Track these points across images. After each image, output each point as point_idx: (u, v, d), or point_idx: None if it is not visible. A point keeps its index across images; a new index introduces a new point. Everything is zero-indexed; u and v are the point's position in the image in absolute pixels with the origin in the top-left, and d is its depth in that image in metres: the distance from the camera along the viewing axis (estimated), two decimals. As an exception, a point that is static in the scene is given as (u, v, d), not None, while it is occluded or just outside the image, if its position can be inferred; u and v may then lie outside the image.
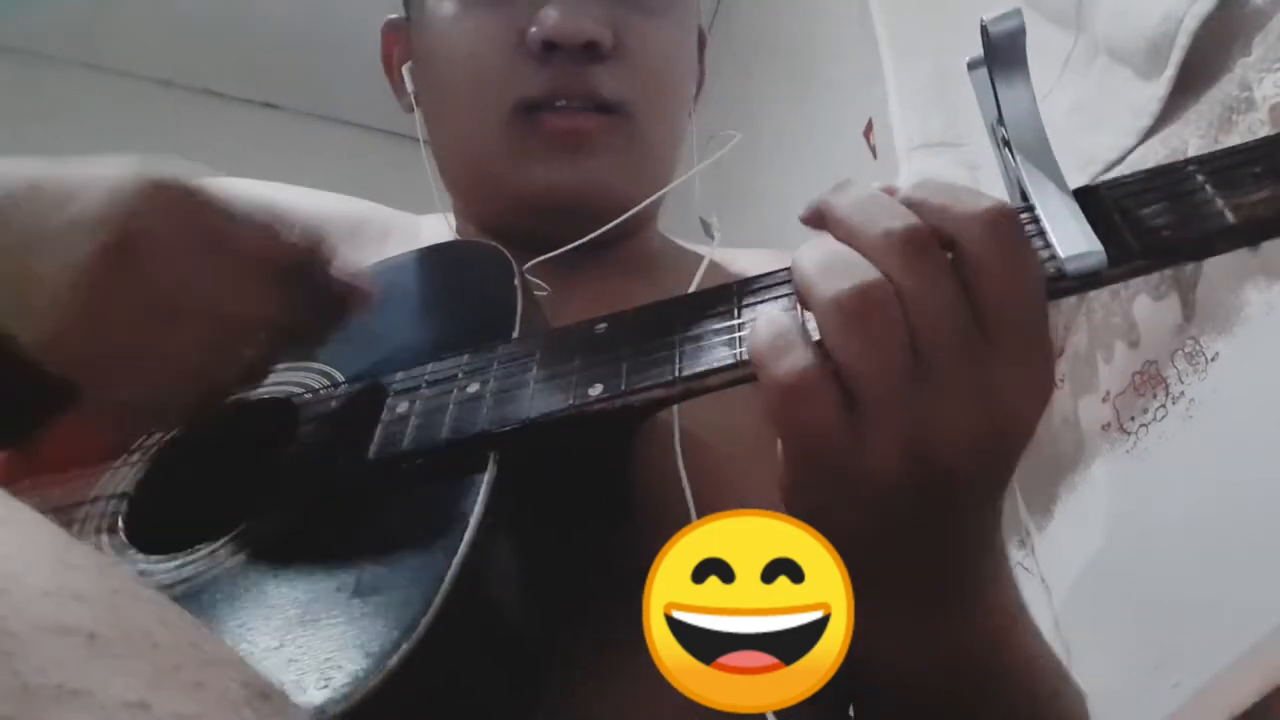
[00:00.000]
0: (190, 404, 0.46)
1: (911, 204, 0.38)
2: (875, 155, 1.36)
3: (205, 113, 2.11)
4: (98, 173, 0.43)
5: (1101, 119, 0.85)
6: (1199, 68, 0.77)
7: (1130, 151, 0.83)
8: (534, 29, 0.61)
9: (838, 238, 0.39)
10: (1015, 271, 0.37)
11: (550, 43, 0.61)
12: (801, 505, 0.39)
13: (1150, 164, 0.80)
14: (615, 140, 0.63)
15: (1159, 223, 0.39)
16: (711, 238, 0.68)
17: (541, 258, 0.62)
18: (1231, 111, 0.74)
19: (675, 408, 0.50)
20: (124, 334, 0.43)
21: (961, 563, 0.43)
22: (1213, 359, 0.74)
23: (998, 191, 0.41)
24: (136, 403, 0.45)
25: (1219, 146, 0.73)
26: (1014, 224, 0.38)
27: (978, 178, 1.04)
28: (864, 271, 0.37)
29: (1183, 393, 0.76)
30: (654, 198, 0.66)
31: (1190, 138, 0.77)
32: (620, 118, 0.63)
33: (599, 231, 0.62)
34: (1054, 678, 0.52)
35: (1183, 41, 0.76)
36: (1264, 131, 0.70)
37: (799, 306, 0.39)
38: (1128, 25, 0.82)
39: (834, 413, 0.36)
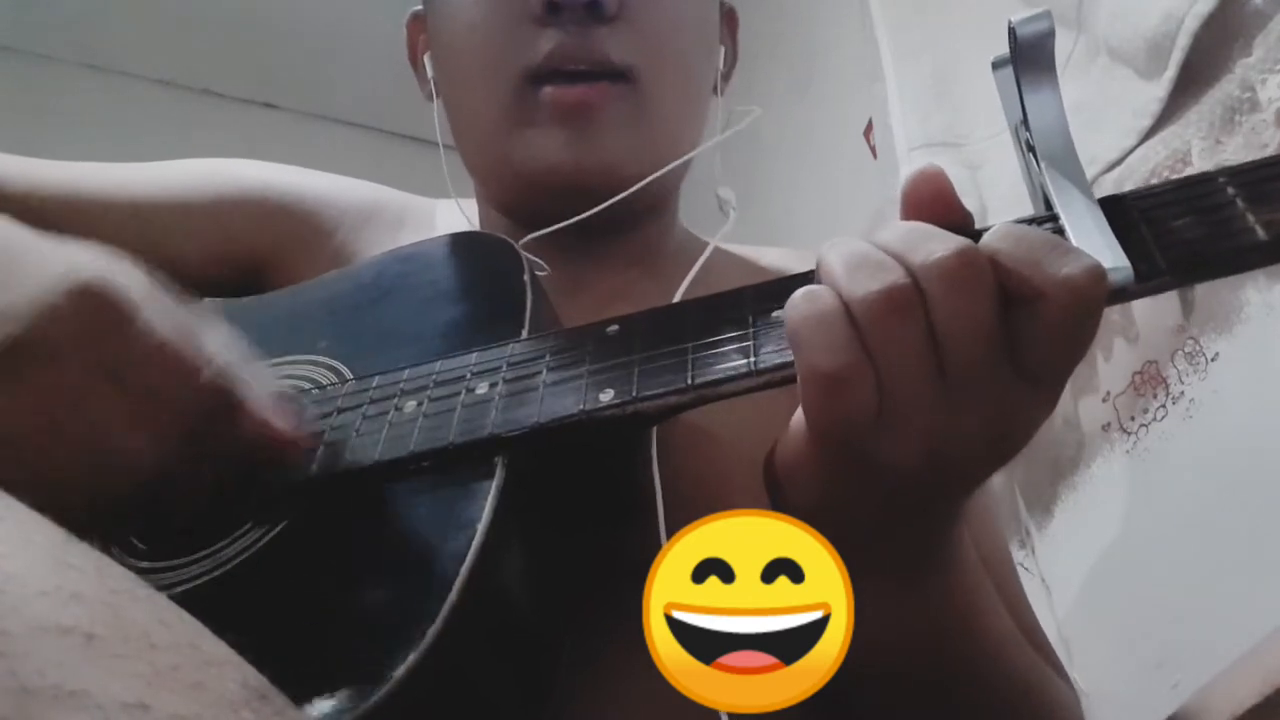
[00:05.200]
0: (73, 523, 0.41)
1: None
2: (875, 155, 1.35)
3: (205, 113, 2.10)
4: (46, 261, 0.39)
5: (1102, 119, 0.85)
6: (1199, 68, 0.77)
7: (1131, 152, 0.83)
8: None
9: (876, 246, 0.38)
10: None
11: (552, 1, 0.60)
12: (814, 488, 0.39)
13: (1150, 165, 0.80)
14: (623, 110, 0.61)
15: (1187, 237, 0.37)
16: (726, 215, 0.67)
17: (543, 231, 0.60)
18: (1234, 112, 0.73)
19: None
20: (9, 445, 0.38)
21: (940, 544, 0.43)
22: (1213, 359, 0.74)
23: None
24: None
25: (1221, 147, 0.73)
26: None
27: (977, 178, 1.04)
28: (892, 273, 0.36)
29: (1183, 393, 0.76)
30: (667, 169, 0.63)
31: (1192, 139, 0.77)
32: (627, 85, 0.61)
33: (606, 204, 0.60)
34: (1029, 659, 0.52)
35: (1183, 42, 0.76)
36: (1268, 133, 0.70)
37: None
38: (1128, 25, 0.82)
39: (872, 406, 0.36)
